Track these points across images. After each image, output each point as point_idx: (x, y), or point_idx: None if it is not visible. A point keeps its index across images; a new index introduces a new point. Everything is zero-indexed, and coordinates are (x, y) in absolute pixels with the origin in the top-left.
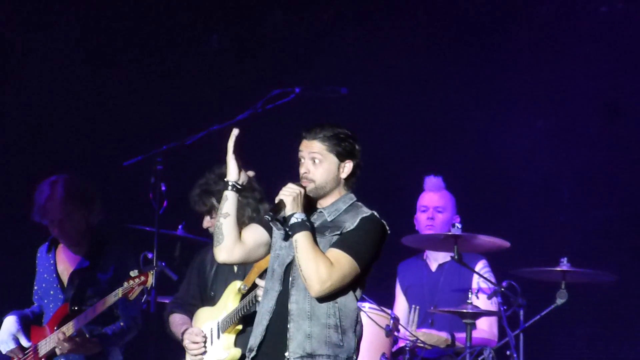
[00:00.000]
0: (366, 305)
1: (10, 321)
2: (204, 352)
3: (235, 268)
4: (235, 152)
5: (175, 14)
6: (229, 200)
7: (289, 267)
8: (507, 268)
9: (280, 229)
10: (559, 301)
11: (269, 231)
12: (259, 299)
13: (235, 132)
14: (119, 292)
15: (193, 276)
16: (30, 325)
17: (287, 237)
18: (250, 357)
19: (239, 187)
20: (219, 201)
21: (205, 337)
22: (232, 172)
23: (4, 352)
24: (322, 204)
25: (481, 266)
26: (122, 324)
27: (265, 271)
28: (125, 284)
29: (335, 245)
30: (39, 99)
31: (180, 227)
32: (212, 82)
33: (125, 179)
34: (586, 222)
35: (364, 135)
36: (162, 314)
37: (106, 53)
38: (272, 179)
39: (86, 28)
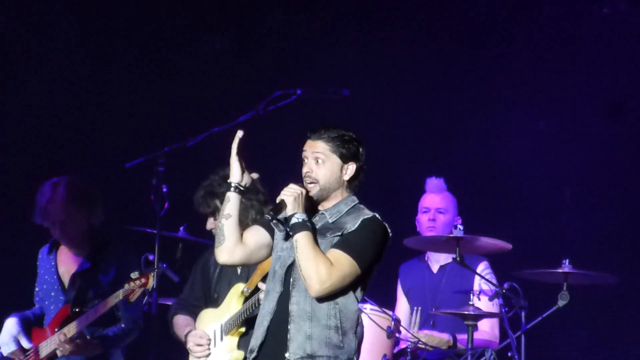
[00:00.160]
0: (367, 307)
1: (12, 323)
2: (208, 355)
3: (239, 270)
4: (239, 153)
5: (176, 14)
6: (231, 202)
7: (290, 269)
8: (508, 270)
9: (281, 229)
10: (561, 303)
11: (271, 233)
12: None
13: (239, 133)
14: (119, 294)
15: (197, 278)
16: (31, 326)
17: (287, 237)
18: (251, 358)
19: (241, 188)
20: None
21: (209, 339)
22: (236, 173)
23: (5, 354)
24: (324, 205)
25: (483, 268)
26: (123, 325)
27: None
28: (126, 286)
29: (336, 245)
30: (40, 100)
31: (181, 228)
32: (214, 84)
33: (127, 180)
34: (588, 223)
35: (365, 136)
36: (164, 315)
37: (107, 54)
38: (273, 181)
39: (86, 28)
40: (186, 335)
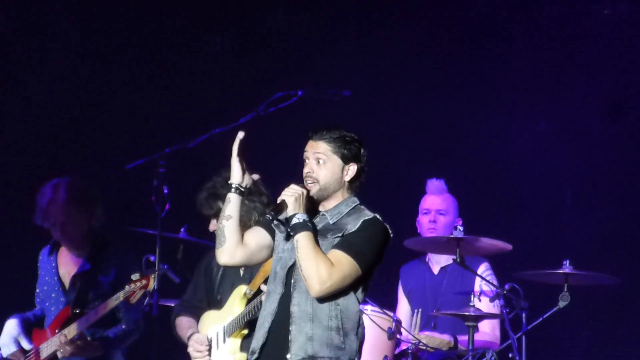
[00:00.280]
0: (368, 308)
1: (12, 324)
2: (210, 358)
3: (242, 271)
4: (240, 154)
5: (176, 14)
6: (232, 203)
7: (291, 270)
8: (509, 271)
9: (282, 229)
10: (562, 304)
11: (272, 234)
12: None
13: (240, 134)
14: (120, 295)
15: (200, 279)
16: (31, 328)
17: (288, 237)
18: (253, 359)
19: (242, 189)
20: None
21: (209, 344)
22: (236, 174)
23: (5, 355)
24: (325, 206)
25: (483, 269)
26: (123, 327)
27: None
28: (127, 287)
29: (337, 246)
30: (41, 100)
31: (182, 229)
32: (214, 84)
33: (128, 181)
34: (589, 224)
35: (366, 137)
36: (164, 316)
37: (107, 54)
38: (274, 182)
39: (86, 28)
40: (188, 339)
